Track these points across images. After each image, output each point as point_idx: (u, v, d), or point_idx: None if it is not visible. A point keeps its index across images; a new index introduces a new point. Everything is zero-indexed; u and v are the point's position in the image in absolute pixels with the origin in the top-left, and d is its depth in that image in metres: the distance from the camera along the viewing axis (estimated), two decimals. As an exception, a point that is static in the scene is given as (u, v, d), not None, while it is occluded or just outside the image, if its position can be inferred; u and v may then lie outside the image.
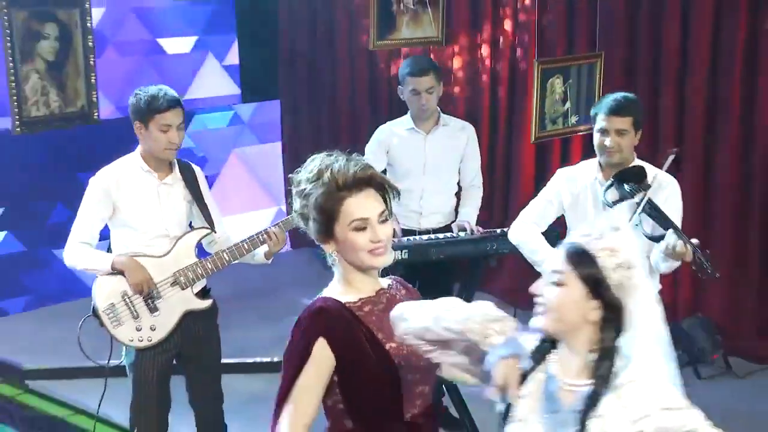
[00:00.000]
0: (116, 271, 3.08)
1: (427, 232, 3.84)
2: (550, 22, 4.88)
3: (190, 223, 3.27)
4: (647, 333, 1.69)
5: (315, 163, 1.90)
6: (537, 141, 4.18)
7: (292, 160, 5.49)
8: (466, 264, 4.07)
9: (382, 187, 1.92)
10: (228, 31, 6.18)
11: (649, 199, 2.90)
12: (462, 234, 3.74)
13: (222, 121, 6.24)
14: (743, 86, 4.31)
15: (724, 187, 4.44)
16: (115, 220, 3.15)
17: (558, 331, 1.64)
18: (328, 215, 1.87)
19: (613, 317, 1.61)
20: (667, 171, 3.13)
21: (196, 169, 3.34)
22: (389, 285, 2.07)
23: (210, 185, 6.01)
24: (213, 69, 6.10)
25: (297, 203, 1.94)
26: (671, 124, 4.49)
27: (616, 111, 3.04)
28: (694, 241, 2.82)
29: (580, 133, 4.22)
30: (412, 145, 3.90)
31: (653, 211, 2.88)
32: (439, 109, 3.88)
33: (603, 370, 1.60)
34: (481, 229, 3.82)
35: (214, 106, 6.17)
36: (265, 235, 3.15)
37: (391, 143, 3.92)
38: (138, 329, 3.06)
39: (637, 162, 3.09)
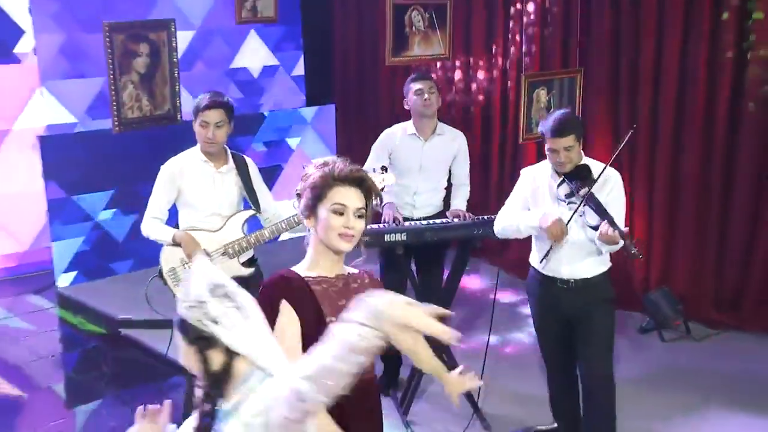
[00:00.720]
0: (176, 243, 3.64)
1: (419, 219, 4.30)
2: (546, 38, 5.67)
3: (246, 203, 3.80)
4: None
5: (325, 158, 2.26)
6: (525, 141, 4.87)
7: (344, 154, 6.57)
8: (456, 245, 4.47)
9: (369, 191, 2.22)
10: (296, 48, 7.32)
11: (591, 194, 3.34)
12: (456, 220, 4.19)
13: (290, 121, 7.37)
14: (706, 98, 4.97)
15: (687, 184, 5.13)
16: (180, 201, 3.72)
17: None
18: (317, 194, 2.18)
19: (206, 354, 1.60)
20: (626, 143, 3.53)
21: (249, 161, 3.88)
22: (350, 273, 2.31)
23: (278, 175, 7.24)
24: (283, 79, 7.34)
25: (299, 185, 2.25)
26: (646, 126, 5.20)
27: (560, 133, 3.44)
28: (625, 229, 3.31)
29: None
30: (411, 149, 4.37)
31: (593, 205, 3.32)
32: (437, 119, 4.37)
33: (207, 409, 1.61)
34: (471, 215, 4.26)
35: (284, 110, 7.30)
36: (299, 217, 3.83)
37: (393, 145, 4.39)
38: (179, 282, 3.64)
39: (585, 161, 3.52)
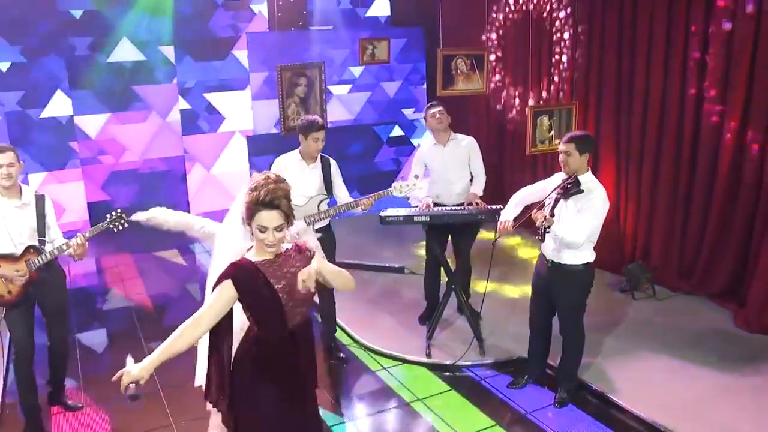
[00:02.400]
0: None
1: (451, 206, 5.68)
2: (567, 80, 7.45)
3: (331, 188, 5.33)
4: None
5: (259, 178, 2.96)
6: (530, 153, 6.65)
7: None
8: (466, 225, 5.65)
9: (285, 212, 2.93)
10: (419, 59, 9.75)
11: (561, 194, 4.38)
12: (469, 207, 5.51)
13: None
14: (676, 129, 6.47)
15: (663, 184, 6.61)
16: None
17: None
18: (249, 214, 2.94)
19: None
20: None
21: (332, 161, 5.42)
22: (286, 249, 3.05)
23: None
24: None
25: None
26: (636, 141, 6.84)
27: (565, 140, 4.48)
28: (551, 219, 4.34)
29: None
30: (436, 154, 5.86)
31: (555, 202, 4.42)
32: (450, 130, 5.84)
33: None
34: (483, 203, 5.54)
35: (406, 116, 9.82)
36: (358, 203, 5.12)
37: (425, 154, 5.92)
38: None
39: (586, 176, 4.43)
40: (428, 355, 5.60)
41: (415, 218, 5.48)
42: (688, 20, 6.19)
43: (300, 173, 5.38)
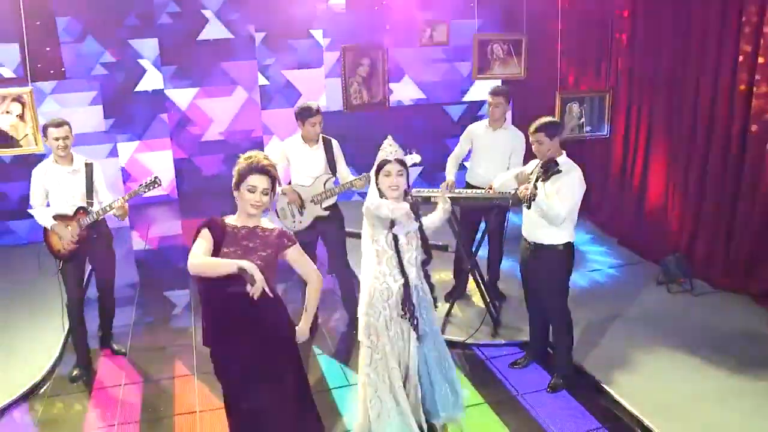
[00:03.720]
0: (283, 193, 5.53)
1: (478, 188, 5.82)
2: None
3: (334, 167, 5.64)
4: None
5: (252, 153, 3.52)
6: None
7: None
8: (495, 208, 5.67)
9: (274, 179, 3.46)
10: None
11: (546, 175, 4.54)
12: (489, 191, 5.47)
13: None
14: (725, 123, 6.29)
15: (713, 176, 6.41)
16: (291, 166, 5.68)
17: None
18: (240, 178, 3.44)
19: None
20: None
21: (335, 142, 5.72)
22: (263, 227, 3.51)
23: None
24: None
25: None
26: (686, 135, 6.68)
27: (532, 130, 4.64)
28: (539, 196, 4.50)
29: (591, 138, 6.57)
30: (484, 137, 6.03)
31: (537, 183, 4.55)
32: (506, 118, 6.03)
33: None
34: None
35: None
36: (356, 181, 5.46)
37: (474, 134, 6.12)
38: (293, 221, 5.65)
39: (562, 158, 4.60)
40: (442, 332, 5.76)
41: (432, 199, 5.61)
42: (741, 14, 5.97)
43: (304, 155, 5.75)
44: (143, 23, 9.32)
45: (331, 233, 5.76)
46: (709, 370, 5.11)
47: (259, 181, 3.47)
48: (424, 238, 4.18)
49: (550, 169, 4.59)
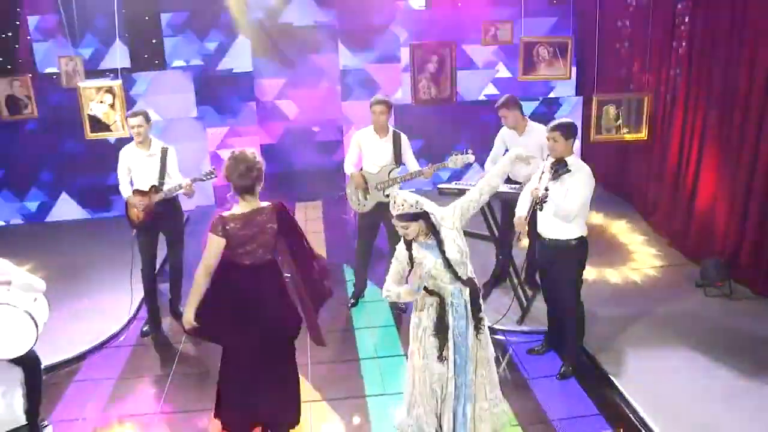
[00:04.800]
0: (353, 177, 6.20)
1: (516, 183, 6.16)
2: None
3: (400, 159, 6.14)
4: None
5: (242, 154, 4.15)
6: (593, 141, 6.85)
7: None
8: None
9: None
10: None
11: (556, 175, 4.84)
12: (515, 187, 5.97)
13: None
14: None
15: (760, 181, 6.40)
16: (362, 154, 6.32)
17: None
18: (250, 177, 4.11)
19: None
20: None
21: (403, 136, 6.19)
22: (260, 207, 4.17)
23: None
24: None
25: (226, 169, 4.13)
26: (735, 139, 6.71)
27: (550, 129, 4.96)
28: (546, 198, 4.81)
29: (630, 139, 6.75)
30: (513, 138, 6.36)
31: (548, 184, 4.90)
32: (527, 119, 6.28)
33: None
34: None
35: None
36: (421, 171, 6.02)
37: (505, 137, 6.46)
38: (358, 203, 6.23)
39: (571, 159, 4.90)
40: (471, 317, 6.19)
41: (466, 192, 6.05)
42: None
43: (374, 145, 6.28)
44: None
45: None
46: (721, 372, 5.26)
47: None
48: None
49: (560, 170, 4.89)
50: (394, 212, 4.02)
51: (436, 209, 4.08)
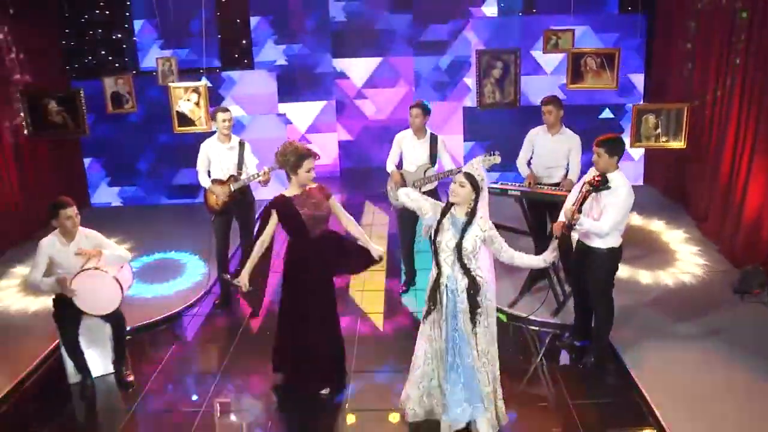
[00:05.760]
0: (392, 175, 6.77)
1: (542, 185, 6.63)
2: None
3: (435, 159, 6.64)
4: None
5: (297, 143, 5.02)
6: (634, 147, 7.14)
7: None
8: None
9: (317, 157, 4.98)
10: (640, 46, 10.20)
11: (590, 190, 5.09)
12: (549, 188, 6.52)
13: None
14: None
15: None
16: (402, 154, 6.87)
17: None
18: (298, 163, 4.89)
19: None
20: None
21: (440, 137, 6.69)
22: (309, 188, 5.00)
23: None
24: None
25: (284, 158, 4.95)
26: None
27: (596, 144, 5.15)
28: (580, 219, 5.06)
29: (669, 147, 7.02)
30: (543, 141, 6.75)
31: (584, 197, 5.13)
32: (562, 123, 6.68)
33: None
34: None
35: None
36: (453, 171, 6.38)
37: (534, 139, 6.84)
38: (396, 200, 6.46)
39: (614, 175, 5.11)
40: (510, 306, 6.73)
41: (509, 191, 6.61)
42: None
43: (412, 146, 6.84)
44: (320, 22, 10.90)
45: None
46: (740, 373, 5.49)
47: (312, 164, 5.00)
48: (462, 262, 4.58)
49: (600, 186, 5.11)
50: (465, 169, 4.57)
51: (484, 205, 4.61)
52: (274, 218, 5.07)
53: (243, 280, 5.15)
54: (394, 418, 5.18)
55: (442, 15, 10.90)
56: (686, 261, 7.76)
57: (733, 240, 7.67)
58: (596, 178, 5.17)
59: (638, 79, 10.53)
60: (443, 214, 4.58)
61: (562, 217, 5.31)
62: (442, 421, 4.83)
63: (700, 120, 8.49)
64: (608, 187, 5.11)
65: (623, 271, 7.42)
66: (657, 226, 8.84)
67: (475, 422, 4.82)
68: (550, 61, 10.51)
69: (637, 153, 10.56)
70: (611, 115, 10.66)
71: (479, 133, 10.94)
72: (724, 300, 6.81)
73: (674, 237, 8.45)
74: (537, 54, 10.45)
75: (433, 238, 4.60)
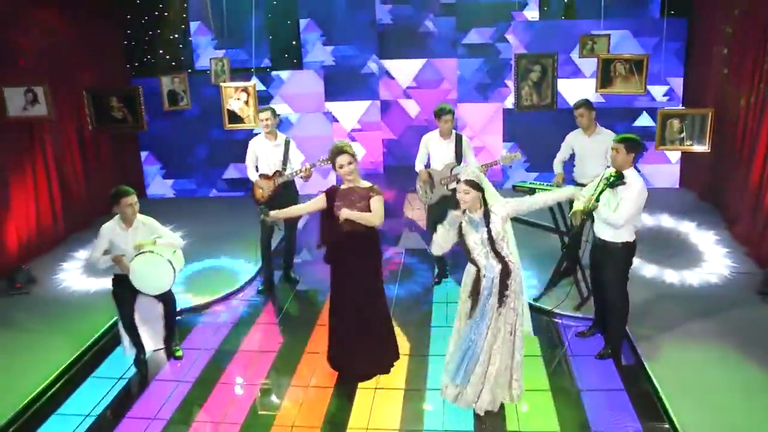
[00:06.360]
0: (420, 174, 7.26)
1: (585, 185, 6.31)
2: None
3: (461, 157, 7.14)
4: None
5: (338, 141, 5.52)
6: (658, 149, 7.40)
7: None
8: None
9: (352, 154, 5.39)
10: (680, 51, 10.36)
11: (611, 186, 5.46)
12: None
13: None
14: None
15: None
16: (430, 154, 7.34)
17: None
18: (333, 158, 5.43)
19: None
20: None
21: (464, 137, 7.15)
22: (357, 186, 5.46)
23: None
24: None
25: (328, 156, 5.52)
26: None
27: (617, 139, 5.54)
28: (601, 208, 5.48)
29: (692, 150, 7.26)
30: (580, 141, 7.17)
31: (601, 192, 5.53)
32: (596, 123, 7.08)
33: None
34: None
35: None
36: (492, 164, 7.06)
37: (572, 142, 7.25)
38: (425, 196, 7.17)
39: (630, 171, 5.45)
40: (535, 300, 7.09)
41: (537, 189, 6.93)
42: None
43: (439, 146, 7.26)
44: (367, 24, 11.36)
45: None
46: (754, 372, 5.70)
47: (342, 159, 5.39)
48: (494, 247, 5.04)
49: (616, 181, 5.48)
50: (462, 177, 5.00)
51: (491, 194, 5.06)
52: (320, 198, 5.58)
53: (275, 215, 5.78)
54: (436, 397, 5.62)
55: (485, 18, 11.24)
56: (713, 262, 7.95)
57: (761, 243, 7.83)
58: (613, 176, 5.53)
59: (678, 83, 10.69)
60: (460, 223, 5.07)
61: (578, 206, 5.66)
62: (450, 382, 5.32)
63: (734, 124, 8.66)
64: (623, 183, 5.47)
65: (649, 269, 7.73)
66: (688, 227, 9.02)
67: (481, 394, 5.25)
68: (589, 64, 10.73)
69: (674, 156, 10.72)
70: (651, 122, 10.83)
71: (517, 134, 11.25)
72: (746, 301, 7.00)
73: (704, 238, 8.63)
74: (576, 57, 10.69)
75: (462, 245, 5.11)
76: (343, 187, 5.52)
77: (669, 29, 10.34)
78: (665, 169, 10.92)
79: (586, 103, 7.13)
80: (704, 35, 9.90)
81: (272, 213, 5.72)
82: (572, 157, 7.52)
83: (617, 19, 10.34)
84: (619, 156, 5.53)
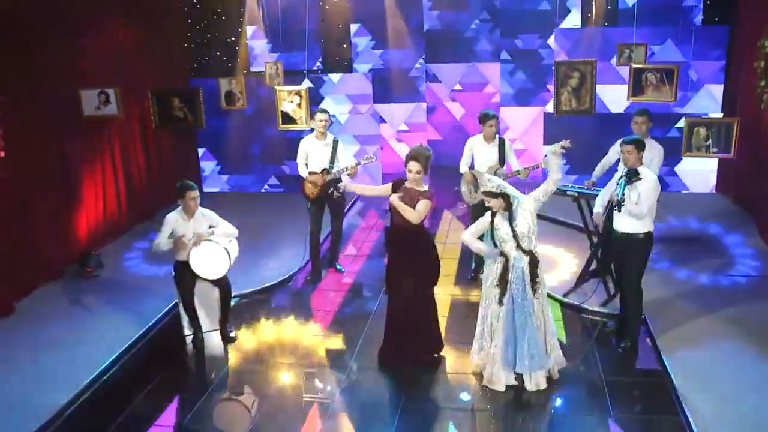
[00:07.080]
0: (464, 175, 7.71)
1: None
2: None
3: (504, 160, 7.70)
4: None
5: (415, 146, 6.10)
6: (684, 155, 7.72)
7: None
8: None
9: (426, 161, 5.92)
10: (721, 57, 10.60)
11: (626, 184, 5.96)
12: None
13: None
14: None
15: None
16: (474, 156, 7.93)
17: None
18: (407, 160, 5.94)
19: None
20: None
21: (506, 140, 7.64)
22: (418, 189, 5.95)
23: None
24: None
25: None
26: None
27: (624, 142, 6.09)
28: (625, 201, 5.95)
29: (718, 156, 7.62)
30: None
31: (622, 189, 5.99)
32: (648, 134, 7.20)
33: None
34: None
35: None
36: (522, 171, 7.42)
37: (616, 149, 7.07)
38: (470, 197, 7.45)
39: (642, 169, 6.00)
40: (565, 295, 7.52)
41: (568, 192, 7.37)
42: None
43: (482, 149, 7.73)
44: (415, 29, 11.87)
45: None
46: (766, 370, 6.00)
47: (411, 166, 5.91)
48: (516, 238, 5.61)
49: (632, 177, 6.04)
50: (482, 189, 5.65)
51: (517, 194, 5.62)
52: (387, 185, 6.19)
53: (348, 186, 6.65)
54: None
55: (529, 25, 11.64)
56: (741, 265, 8.22)
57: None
58: (629, 174, 6.05)
59: (718, 90, 10.90)
60: (493, 215, 5.65)
61: (598, 209, 6.35)
62: (503, 369, 5.83)
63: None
64: (639, 178, 6.01)
65: (676, 270, 8.04)
66: (720, 230, 9.29)
67: (535, 374, 5.80)
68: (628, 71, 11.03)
69: (711, 163, 10.93)
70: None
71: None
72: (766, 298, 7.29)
73: (734, 242, 8.89)
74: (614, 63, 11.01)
75: (494, 237, 5.67)
76: (406, 183, 6.03)
77: (710, 37, 10.60)
78: (701, 174, 11.14)
79: (645, 112, 7.33)
80: (743, 44, 10.11)
81: (347, 183, 6.46)
82: (617, 162, 7.76)
83: (659, 26, 10.63)
84: (631, 156, 6.06)
